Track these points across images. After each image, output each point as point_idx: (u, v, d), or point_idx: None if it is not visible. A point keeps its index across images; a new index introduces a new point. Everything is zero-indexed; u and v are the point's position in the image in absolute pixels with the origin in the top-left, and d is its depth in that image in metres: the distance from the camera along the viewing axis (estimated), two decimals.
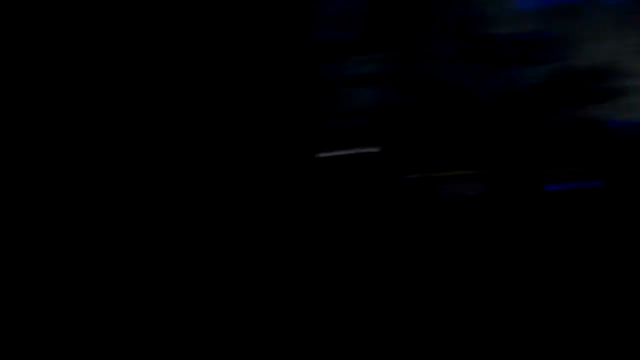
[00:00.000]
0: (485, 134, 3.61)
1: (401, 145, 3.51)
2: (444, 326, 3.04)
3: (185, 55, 3.54)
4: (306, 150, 3.42)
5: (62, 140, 3.45)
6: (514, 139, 3.62)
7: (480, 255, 3.44)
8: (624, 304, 3.08)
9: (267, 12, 3.58)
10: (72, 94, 3.38)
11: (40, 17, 3.38)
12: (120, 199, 3.37)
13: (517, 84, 3.70)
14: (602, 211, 3.50)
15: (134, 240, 3.38)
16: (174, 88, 3.51)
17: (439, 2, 3.68)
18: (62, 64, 3.43)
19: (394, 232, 3.50)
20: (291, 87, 3.46)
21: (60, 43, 3.38)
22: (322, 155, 3.47)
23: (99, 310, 3.35)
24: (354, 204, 3.47)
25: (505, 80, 3.70)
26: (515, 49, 3.73)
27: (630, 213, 3.30)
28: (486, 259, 3.41)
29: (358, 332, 3.07)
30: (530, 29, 3.78)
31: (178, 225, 3.36)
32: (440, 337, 2.94)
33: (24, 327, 3.31)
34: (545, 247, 3.44)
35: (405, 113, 3.49)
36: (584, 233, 3.46)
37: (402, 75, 3.56)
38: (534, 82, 3.67)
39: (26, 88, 3.51)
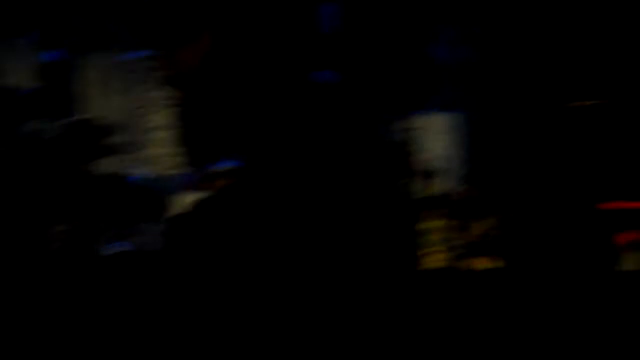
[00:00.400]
0: None
1: None
2: None
3: None
4: None
5: None
6: (24, 195, 3.52)
7: None
8: None
9: None
10: None
11: None
12: None
13: (31, 139, 3.60)
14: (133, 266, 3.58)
15: None
16: None
17: None
18: None
19: None
20: None
21: None
22: None
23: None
24: None
25: (17, 134, 3.58)
26: (30, 103, 3.62)
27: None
28: None
29: None
30: (45, 82, 3.70)
31: None
32: None
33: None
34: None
35: None
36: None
37: None
38: (49, 137, 3.60)
39: None
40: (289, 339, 2.72)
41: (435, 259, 3.60)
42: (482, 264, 3.69)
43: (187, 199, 3.71)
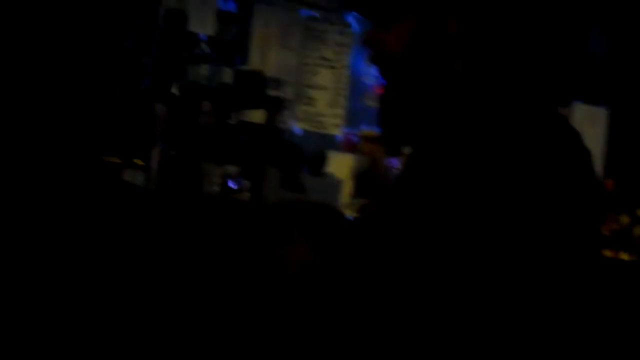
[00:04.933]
0: (163, 128, 3.67)
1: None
2: None
3: None
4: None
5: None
6: (191, 135, 3.70)
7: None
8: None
9: None
10: None
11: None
12: None
13: (200, 83, 3.78)
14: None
15: None
16: None
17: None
18: None
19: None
20: None
21: None
22: None
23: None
24: None
25: (188, 77, 3.76)
26: (204, 49, 3.80)
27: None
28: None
29: None
30: (223, 30, 3.86)
31: None
32: None
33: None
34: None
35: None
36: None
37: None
38: (216, 83, 3.77)
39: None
40: None
41: None
42: None
43: (340, 159, 3.83)
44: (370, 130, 3.83)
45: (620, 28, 4.21)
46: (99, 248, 3.31)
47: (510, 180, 1.33)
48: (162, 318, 3.28)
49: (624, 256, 3.85)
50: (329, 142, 3.82)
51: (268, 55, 3.81)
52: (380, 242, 1.44)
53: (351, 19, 3.87)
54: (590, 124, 3.97)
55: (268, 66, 3.79)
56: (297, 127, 3.79)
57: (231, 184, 3.58)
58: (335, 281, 1.57)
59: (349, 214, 3.41)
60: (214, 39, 3.75)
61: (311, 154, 3.75)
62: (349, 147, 3.86)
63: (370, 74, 3.87)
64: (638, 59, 4.22)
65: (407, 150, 1.57)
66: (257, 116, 3.75)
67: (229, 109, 3.71)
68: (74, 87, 3.52)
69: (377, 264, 1.44)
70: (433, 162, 1.39)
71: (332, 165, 3.73)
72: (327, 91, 3.86)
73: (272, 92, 3.78)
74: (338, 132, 3.86)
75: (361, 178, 3.65)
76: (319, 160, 3.75)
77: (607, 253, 3.80)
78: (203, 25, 3.69)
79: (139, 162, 3.54)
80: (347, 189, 3.63)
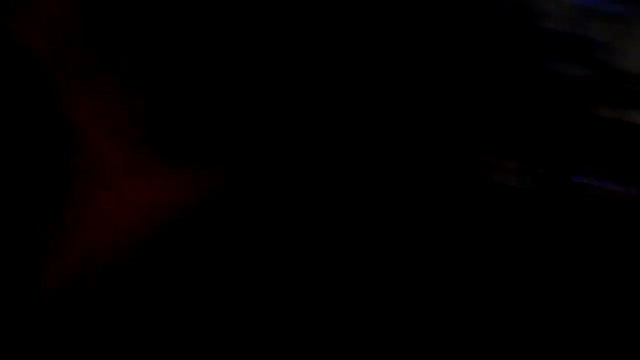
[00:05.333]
0: (529, 127, 3.63)
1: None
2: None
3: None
4: None
5: None
6: (554, 132, 3.66)
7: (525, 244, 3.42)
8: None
9: None
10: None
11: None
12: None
13: (559, 79, 3.74)
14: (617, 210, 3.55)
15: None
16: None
17: None
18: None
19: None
20: None
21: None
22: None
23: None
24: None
25: (549, 74, 3.73)
26: (562, 44, 3.76)
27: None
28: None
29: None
30: (580, 26, 3.82)
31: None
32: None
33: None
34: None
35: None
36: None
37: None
38: (576, 79, 3.72)
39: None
40: None
41: None
42: None
43: None
44: None
45: None
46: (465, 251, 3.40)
47: None
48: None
49: None
50: None
51: (631, 53, 3.73)
52: None
53: None
54: None
55: (631, 64, 3.71)
56: None
57: (612, 186, 3.55)
58: None
59: None
60: (569, 35, 3.74)
61: None
62: None
63: None
64: None
65: None
66: (618, 113, 3.70)
67: (590, 105, 3.69)
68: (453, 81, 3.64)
69: None
70: None
71: None
72: None
73: (634, 89, 3.70)
74: None
75: None
76: None
77: None
78: (557, 21, 3.68)
79: (511, 162, 3.59)
80: None
